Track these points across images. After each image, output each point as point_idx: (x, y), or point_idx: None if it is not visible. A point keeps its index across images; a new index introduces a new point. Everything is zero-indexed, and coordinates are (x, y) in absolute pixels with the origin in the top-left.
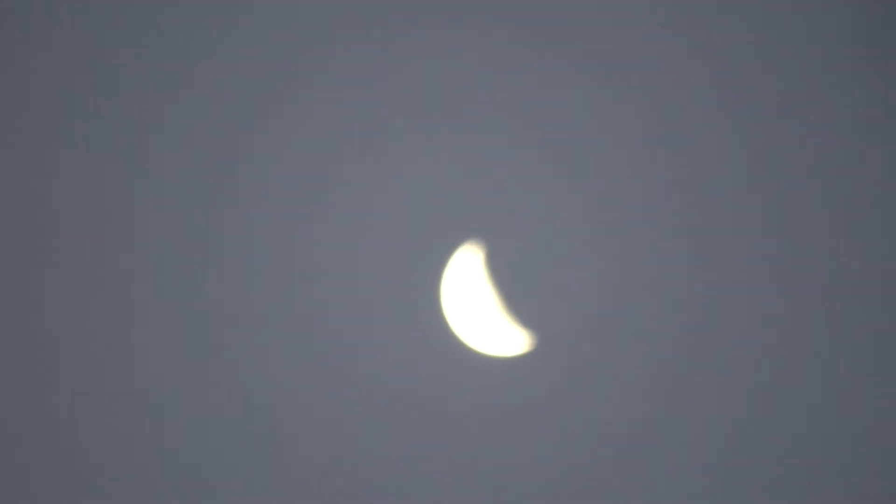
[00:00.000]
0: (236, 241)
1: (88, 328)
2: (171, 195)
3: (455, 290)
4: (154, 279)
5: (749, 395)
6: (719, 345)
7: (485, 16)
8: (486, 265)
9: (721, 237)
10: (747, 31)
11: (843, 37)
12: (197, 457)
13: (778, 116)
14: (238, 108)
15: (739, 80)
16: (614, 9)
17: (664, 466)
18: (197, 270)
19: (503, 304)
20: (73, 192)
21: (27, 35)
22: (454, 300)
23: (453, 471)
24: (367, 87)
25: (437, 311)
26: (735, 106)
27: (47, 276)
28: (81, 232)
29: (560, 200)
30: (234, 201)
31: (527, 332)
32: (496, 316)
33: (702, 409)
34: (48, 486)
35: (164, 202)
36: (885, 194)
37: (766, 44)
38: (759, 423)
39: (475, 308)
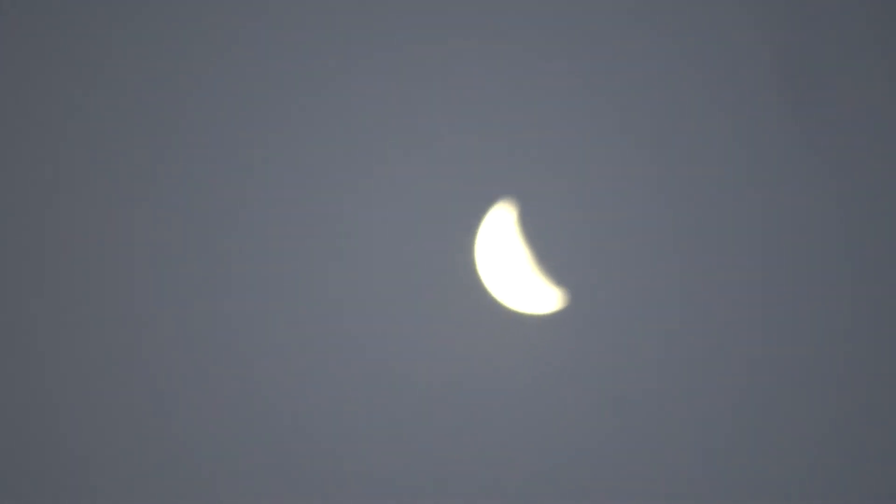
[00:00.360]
0: (279, 206)
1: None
2: (189, 193)
3: (489, 248)
4: (176, 272)
5: (776, 359)
6: (755, 304)
7: None
8: (519, 223)
9: (758, 194)
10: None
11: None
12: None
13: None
14: (253, 95)
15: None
16: None
17: (692, 419)
18: (246, 239)
19: (536, 262)
20: (81, 195)
21: (27, 36)
22: (488, 258)
23: (484, 424)
24: (402, 46)
25: (471, 268)
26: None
27: (49, 277)
28: (82, 233)
29: (593, 159)
30: (273, 165)
31: (559, 289)
32: (529, 274)
33: (732, 367)
34: (49, 485)
35: (181, 199)
36: (885, 195)
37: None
38: (790, 388)
39: (508, 266)
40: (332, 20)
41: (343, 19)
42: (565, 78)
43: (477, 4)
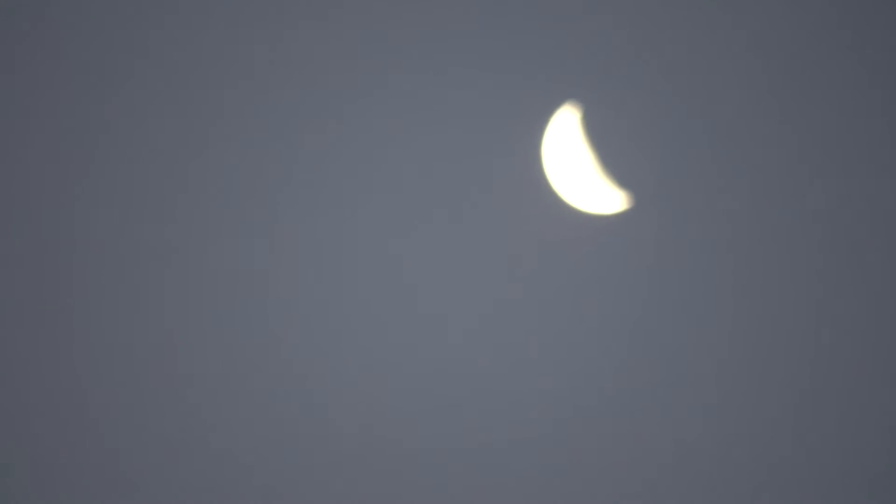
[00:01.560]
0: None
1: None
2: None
3: (555, 150)
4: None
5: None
6: (825, 213)
7: None
8: (583, 126)
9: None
10: None
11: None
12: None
13: None
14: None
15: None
16: None
17: (757, 317)
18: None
19: (600, 164)
20: (80, 195)
21: (26, 37)
22: (554, 159)
23: (547, 322)
24: None
25: (537, 169)
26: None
27: (49, 278)
28: (86, 232)
29: (656, 61)
30: (342, 74)
31: (623, 191)
32: (593, 175)
33: (798, 273)
34: (48, 484)
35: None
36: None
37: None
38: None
39: (573, 167)
40: None
41: None
42: None
43: None
